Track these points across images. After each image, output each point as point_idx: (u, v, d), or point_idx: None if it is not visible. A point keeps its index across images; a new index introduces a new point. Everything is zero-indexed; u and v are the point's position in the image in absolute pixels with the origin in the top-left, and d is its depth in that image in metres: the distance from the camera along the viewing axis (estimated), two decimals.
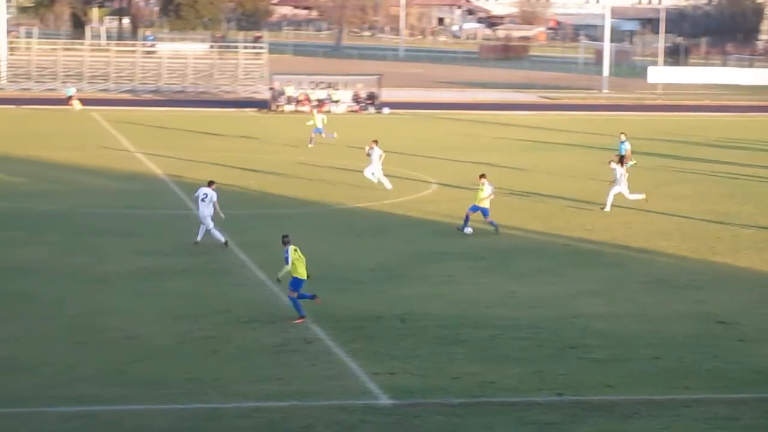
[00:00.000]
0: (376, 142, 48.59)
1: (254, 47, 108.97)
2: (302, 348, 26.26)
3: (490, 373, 24.69)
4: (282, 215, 43.07)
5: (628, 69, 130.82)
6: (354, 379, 24.26)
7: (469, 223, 39.70)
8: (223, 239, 36.39)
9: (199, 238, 36.61)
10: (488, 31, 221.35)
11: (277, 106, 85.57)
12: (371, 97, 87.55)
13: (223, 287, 31.87)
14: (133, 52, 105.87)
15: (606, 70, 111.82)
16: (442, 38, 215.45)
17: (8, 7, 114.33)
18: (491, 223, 39.96)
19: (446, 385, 23.87)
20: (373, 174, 47.96)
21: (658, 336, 28.06)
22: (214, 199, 36.36)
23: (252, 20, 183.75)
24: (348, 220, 42.80)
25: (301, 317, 28.16)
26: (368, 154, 48.43)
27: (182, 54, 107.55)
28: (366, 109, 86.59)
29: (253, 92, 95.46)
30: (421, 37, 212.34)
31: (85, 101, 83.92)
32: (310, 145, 62.54)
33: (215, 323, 28.10)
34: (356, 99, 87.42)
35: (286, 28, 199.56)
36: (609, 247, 38.77)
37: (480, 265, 35.61)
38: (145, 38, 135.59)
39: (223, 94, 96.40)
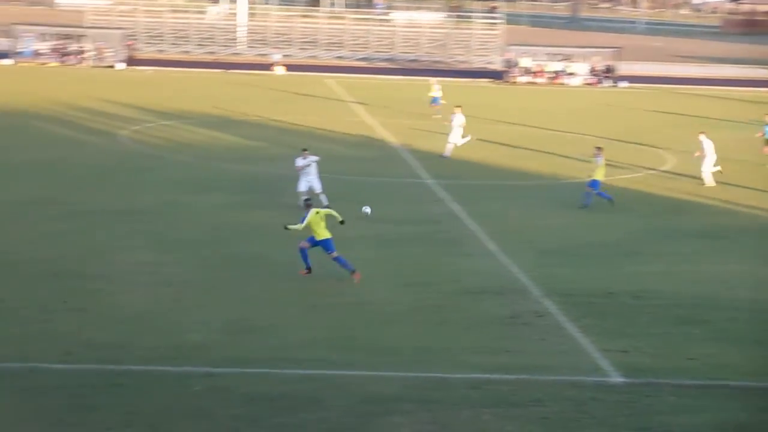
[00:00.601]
0: (459, 107, 47.78)
1: (490, 17, 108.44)
2: (532, 321, 25.87)
3: (727, 356, 23.83)
4: (513, 187, 42.66)
5: None
6: (585, 355, 23.74)
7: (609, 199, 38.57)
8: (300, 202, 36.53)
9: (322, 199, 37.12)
10: (732, 5, 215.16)
11: (511, 77, 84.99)
12: (608, 70, 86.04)
13: (453, 257, 31.71)
14: (368, 20, 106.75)
15: None
16: (683, 11, 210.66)
17: None
18: (588, 196, 38.50)
19: (680, 366, 23.16)
20: (455, 142, 47.62)
21: None
22: (297, 164, 37.41)
23: None
24: (582, 194, 42.01)
25: (308, 269, 28.69)
26: (450, 121, 47.84)
27: (417, 23, 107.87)
28: (602, 82, 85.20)
29: (487, 63, 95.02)
30: (661, 9, 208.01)
31: (319, 68, 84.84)
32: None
33: (445, 293, 27.95)
34: (593, 72, 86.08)
35: None
36: None
37: (720, 244, 34.48)
38: (375, 6, 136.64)
39: (457, 64, 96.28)
